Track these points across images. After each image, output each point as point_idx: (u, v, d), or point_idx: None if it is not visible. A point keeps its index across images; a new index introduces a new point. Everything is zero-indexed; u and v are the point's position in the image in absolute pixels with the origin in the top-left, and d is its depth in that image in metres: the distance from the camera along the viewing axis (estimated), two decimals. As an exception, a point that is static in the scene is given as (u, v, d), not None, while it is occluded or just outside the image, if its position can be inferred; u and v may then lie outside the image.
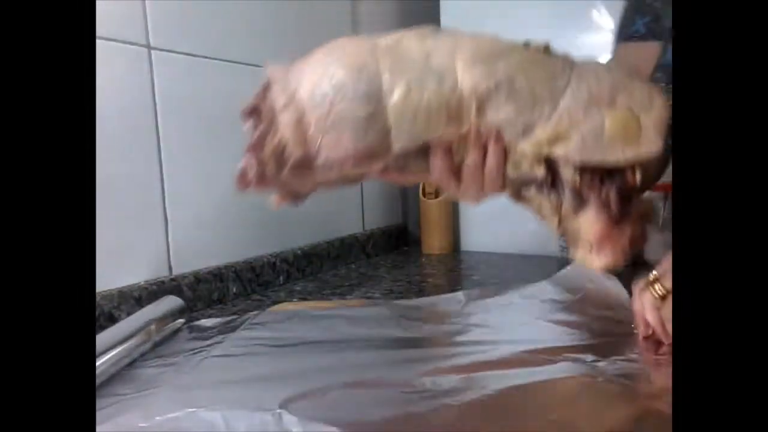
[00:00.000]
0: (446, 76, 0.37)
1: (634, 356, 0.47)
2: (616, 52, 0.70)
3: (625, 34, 0.69)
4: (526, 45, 0.40)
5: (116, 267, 0.68)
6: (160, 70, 0.74)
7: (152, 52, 0.73)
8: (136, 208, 0.72)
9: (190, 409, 0.41)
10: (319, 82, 0.39)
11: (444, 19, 1.23)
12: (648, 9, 0.65)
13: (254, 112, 0.38)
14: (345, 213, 1.12)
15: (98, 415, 0.41)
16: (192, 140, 0.80)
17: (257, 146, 0.38)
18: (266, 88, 0.39)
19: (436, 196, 1.22)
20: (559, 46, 1.09)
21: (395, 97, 0.37)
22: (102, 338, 0.52)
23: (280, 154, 0.38)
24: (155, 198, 0.75)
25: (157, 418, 0.40)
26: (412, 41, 0.38)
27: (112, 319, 0.65)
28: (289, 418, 0.39)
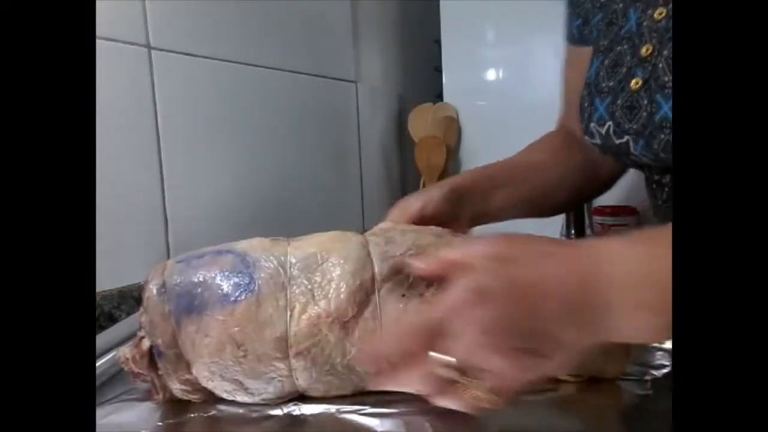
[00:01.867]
0: None
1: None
2: (566, 54, 0.72)
3: (566, 35, 0.70)
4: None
5: (116, 267, 0.69)
6: (160, 70, 0.74)
7: (152, 52, 0.73)
8: (136, 208, 0.72)
9: (192, 414, 0.41)
10: None
11: (444, 19, 1.23)
12: (581, 11, 0.65)
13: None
14: (345, 212, 1.12)
15: (98, 415, 0.41)
16: (192, 140, 0.80)
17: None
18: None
19: (436, 196, 1.22)
20: (560, 46, 1.10)
21: None
22: (102, 338, 0.51)
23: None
24: (155, 198, 0.75)
25: (159, 423, 0.40)
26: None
27: (112, 319, 0.65)
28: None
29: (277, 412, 0.40)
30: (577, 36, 0.66)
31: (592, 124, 0.57)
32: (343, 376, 0.40)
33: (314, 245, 0.41)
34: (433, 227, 0.46)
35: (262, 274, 0.40)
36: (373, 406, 0.40)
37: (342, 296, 0.39)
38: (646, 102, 0.51)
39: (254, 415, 0.40)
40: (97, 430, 0.38)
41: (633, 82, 0.52)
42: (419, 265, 0.37)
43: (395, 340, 0.34)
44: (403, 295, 0.39)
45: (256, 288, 0.39)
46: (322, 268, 0.40)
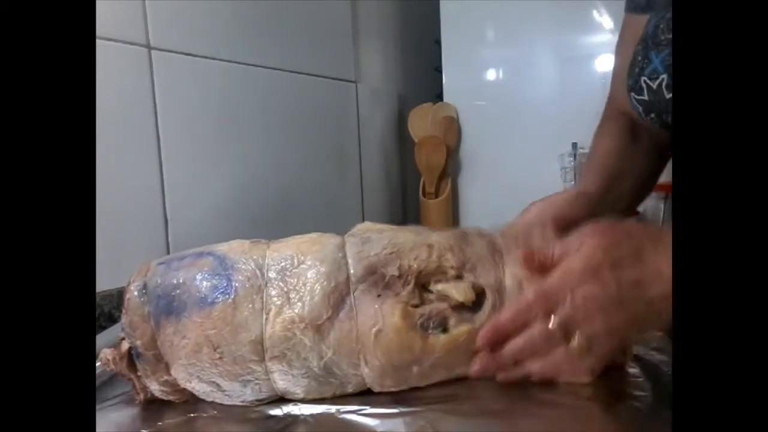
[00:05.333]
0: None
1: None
2: (623, 22, 0.70)
3: (629, 4, 0.69)
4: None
5: (116, 267, 0.68)
6: (160, 70, 0.74)
7: (152, 52, 0.73)
8: (136, 208, 0.72)
9: (192, 414, 0.41)
10: None
11: (444, 19, 1.23)
12: None
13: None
14: (345, 213, 1.12)
15: (98, 414, 0.41)
16: (192, 140, 0.80)
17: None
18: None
19: (436, 196, 1.22)
20: (560, 45, 1.11)
21: None
22: (102, 338, 0.51)
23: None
24: (155, 198, 0.75)
25: (159, 423, 0.40)
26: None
27: (112, 319, 0.65)
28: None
29: (277, 412, 0.40)
30: (644, 4, 0.65)
31: (643, 78, 0.57)
32: (321, 379, 0.40)
33: (292, 247, 0.41)
34: (412, 226, 0.46)
35: (240, 277, 0.39)
36: (374, 406, 0.40)
37: (316, 299, 0.39)
38: None
39: (254, 415, 0.40)
40: (97, 430, 0.38)
41: None
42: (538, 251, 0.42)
43: (515, 310, 0.39)
44: (379, 296, 0.39)
45: (232, 291, 0.39)
46: (297, 270, 0.40)
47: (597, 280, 0.38)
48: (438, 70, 1.26)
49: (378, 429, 0.37)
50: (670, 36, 0.54)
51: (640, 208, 1.05)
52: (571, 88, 1.13)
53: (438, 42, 1.25)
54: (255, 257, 0.41)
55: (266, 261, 0.40)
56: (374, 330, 0.39)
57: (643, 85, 0.57)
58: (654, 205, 1.01)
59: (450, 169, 1.24)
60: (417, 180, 1.23)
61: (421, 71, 1.38)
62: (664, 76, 0.54)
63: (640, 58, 0.58)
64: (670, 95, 0.54)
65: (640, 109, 0.59)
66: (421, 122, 1.23)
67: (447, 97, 1.25)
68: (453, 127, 1.23)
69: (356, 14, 1.14)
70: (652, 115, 0.59)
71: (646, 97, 0.57)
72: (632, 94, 0.59)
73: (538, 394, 0.41)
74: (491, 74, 1.22)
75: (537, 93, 1.17)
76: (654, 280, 0.37)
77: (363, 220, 1.18)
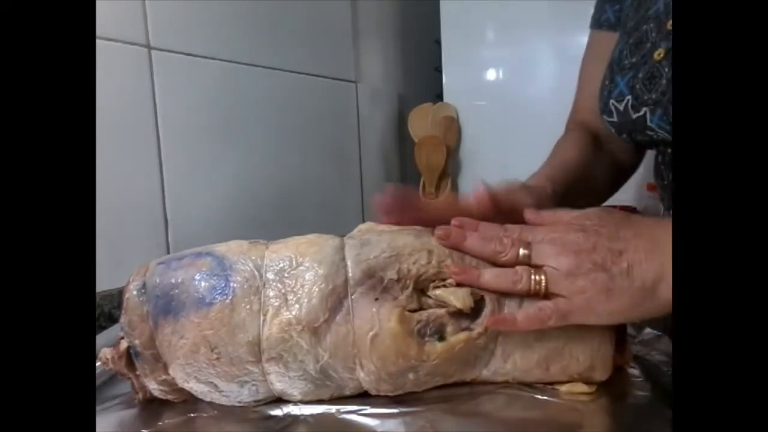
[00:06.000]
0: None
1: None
2: (589, 39, 0.72)
3: (597, 21, 0.70)
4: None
5: (116, 267, 0.69)
6: (160, 70, 0.74)
7: (152, 52, 0.73)
8: (136, 208, 0.72)
9: (192, 414, 0.41)
10: None
11: (444, 19, 1.23)
12: None
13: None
14: (345, 213, 1.12)
15: (98, 414, 0.41)
16: (192, 140, 0.80)
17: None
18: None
19: (436, 196, 1.22)
20: (560, 46, 1.11)
21: None
22: (102, 338, 0.51)
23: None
24: (155, 198, 0.75)
25: (159, 423, 0.40)
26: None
27: (112, 319, 0.65)
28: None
29: (277, 412, 0.40)
30: (613, 20, 0.67)
31: (611, 101, 0.58)
32: (318, 382, 0.40)
33: (291, 248, 0.41)
34: (413, 227, 0.45)
35: (238, 278, 0.39)
36: (374, 406, 0.40)
37: (314, 301, 0.38)
38: (667, 70, 0.53)
39: (254, 415, 0.40)
40: (97, 430, 0.38)
41: (656, 53, 0.54)
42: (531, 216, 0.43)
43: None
44: (377, 299, 0.39)
45: (230, 291, 0.39)
46: (296, 272, 0.40)
47: (582, 231, 0.38)
48: (438, 70, 1.26)
49: (378, 429, 0.37)
50: (634, 59, 0.57)
51: (640, 208, 1.05)
52: (571, 88, 1.13)
53: (438, 42, 1.25)
54: (253, 258, 0.40)
55: (264, 262, 0.40)
56: (371, 334, 0.38)
57: (612, 108, 0.59)
58: (654, 205, 1.01)
59: (450, 169, 1.24)
60: (417, 180, 1.23)
61: (421, 71, 1.38)
62: (629, 97, 0.56)
63: (607, 82, 0.60)
64: (636, 114, 0.56)
65: (613, 130, 0.61)
66: (421, 122, 1.23)
67: (447, 97, 1.25)
68: (453, 127, 1.23)
69: (356, 14, 1.14)
70: (624, 135, 0.60)
71: (615, 119, 0.59)
72: (604, 116, 0.61)
73: (537, 395, 0.41)
74: (491, 74, 1.22)
75: (537, 93, 1.17)
76: (637, 237, 0.37)
77: (363, 220, 1.18)
